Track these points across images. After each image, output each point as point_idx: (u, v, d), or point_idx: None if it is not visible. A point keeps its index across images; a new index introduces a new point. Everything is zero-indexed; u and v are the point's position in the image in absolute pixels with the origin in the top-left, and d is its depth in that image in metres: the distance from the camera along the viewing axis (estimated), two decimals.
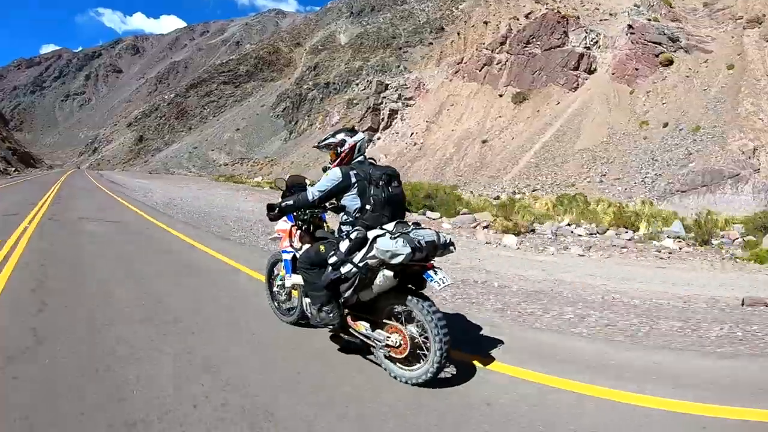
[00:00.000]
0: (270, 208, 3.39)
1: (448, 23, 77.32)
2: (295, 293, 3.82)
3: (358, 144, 3.25)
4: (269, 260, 4.18)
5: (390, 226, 2.88)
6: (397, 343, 2.90)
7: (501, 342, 3.62)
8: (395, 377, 2.93)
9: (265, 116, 79.28)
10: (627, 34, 39.30)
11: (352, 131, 3.35)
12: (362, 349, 3.25)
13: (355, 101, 70.95)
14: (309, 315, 3.42)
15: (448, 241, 2.97)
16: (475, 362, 3.20)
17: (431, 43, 77.64)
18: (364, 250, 2.84)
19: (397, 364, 2.94)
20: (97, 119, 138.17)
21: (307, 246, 3.44)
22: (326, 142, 3.31)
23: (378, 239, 2.79)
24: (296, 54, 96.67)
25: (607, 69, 39.75)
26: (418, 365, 2.86)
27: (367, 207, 3.02)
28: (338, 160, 3.25)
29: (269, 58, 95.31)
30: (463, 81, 50.55)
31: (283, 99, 78.84)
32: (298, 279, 3.47)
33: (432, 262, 2.93)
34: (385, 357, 3.00)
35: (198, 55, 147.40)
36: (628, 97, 35.99)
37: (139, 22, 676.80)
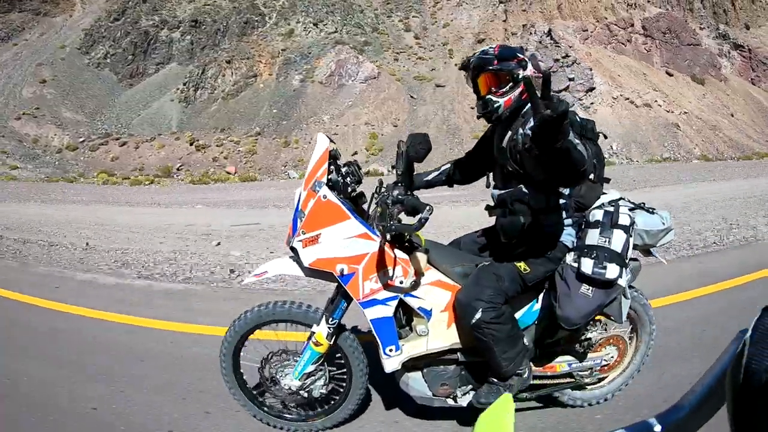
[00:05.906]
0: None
1: None
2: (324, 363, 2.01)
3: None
4: (233, 330, 2.00)
5: (616, 197, 1.85)
6: (612, 357, 2.06)
7: None
8: (572, 406, 2.14)
9: (80, 65, 50.47)
10: (735, 51, 52.59)
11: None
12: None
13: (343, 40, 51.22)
14: (440, 397, 1.92)
15: None
16: None
17: None
18: (631, 243, 1.77)
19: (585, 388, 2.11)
20: None
21: (433, 274, 1.85)
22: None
23: (637, 219, 1.83)
24: None
25: (731, 71, 51.63)
26: (607, 375, 2.12)
27: (591, 175, 1.69)
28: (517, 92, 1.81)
29: None
30: (605, 50, 49.52)
31: (98, 40, 51.99)
32: (416, 347, 1.85)
33: None
34: (575, 388, 2.10)
35: None
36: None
37: None
